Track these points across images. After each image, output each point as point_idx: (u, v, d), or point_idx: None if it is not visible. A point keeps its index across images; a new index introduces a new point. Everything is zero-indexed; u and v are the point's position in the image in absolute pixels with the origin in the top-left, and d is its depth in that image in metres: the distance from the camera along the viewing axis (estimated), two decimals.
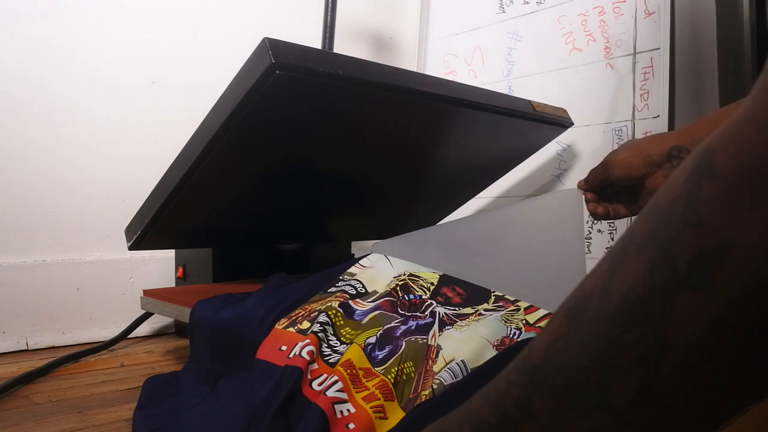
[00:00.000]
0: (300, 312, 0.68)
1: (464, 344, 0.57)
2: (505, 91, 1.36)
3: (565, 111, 1.14)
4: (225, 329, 0.70)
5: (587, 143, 1.23)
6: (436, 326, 0.62)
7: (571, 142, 1.26)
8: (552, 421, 0.28)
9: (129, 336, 1.08)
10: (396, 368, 0.55)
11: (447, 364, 0.54)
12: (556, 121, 1.10)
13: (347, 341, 0.62)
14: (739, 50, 1.14)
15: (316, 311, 0.66)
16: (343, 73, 0.72)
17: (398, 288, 0.71)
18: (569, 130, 1.18)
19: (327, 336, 0.62)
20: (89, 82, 1.12)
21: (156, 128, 1.20)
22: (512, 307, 0.65)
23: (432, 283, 0.72)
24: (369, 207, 1.19)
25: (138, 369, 0.90)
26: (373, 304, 0.68)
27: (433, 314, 0.65)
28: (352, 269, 0.79)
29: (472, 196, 1.34)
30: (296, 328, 0.64)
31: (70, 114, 1.11)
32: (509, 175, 1.29)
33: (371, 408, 0.51)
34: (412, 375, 0.55)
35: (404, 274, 0.74)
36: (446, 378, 0.52)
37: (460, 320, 0.63)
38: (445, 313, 0.65)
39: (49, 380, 0.84)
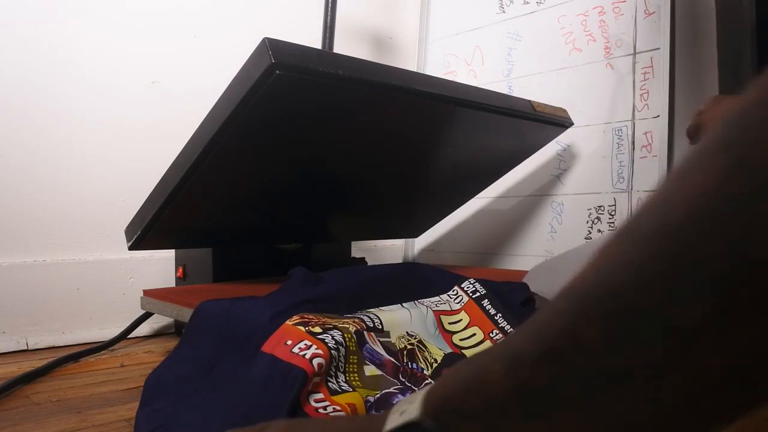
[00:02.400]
0: (314, 318, 0.67)
1: None
2: (505, 91, 1.36)
3: (565, 111, 1.14)
4: (239, 317, 0.70)
5: (587, 143, 1.23)
6: None
7: (571, 142, 1.26)
8: (603, 350, 0.24)
9: (129, 336, 1.08)
10: None
11: None
12: (556, 121, 1.10)
13: (350, 377, 0.61)
14: (739, 50, 1.14)
15: (331, 325, 0.65)
16: (343, 73, 0.72)
17: (405, 352, 0.70)
18: (569, 130, 1.18)
19: (339, 356, 0.60)
20: (89, 81, 1.12)
21: (156, 128, 1.20)
22: None
23: (436, 360, 0.72)
24: (369, 207, 1.19)
25: (138, 369, 0.90)
26: (380, 354, 0.67)
27: None
28: (373, 309, 0.78)
29: (472, 196, 1.34)
30: (306, 328, 0.63)
31: (69, 113, 1.11)
32: (509, 175, 1.29)
33: None
34: None
35: (415, 338, 0.73)
36: None
37: None
38: None
39: (49, 380, 0.84)
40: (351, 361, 0.62)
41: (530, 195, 1.33)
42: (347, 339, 0.63)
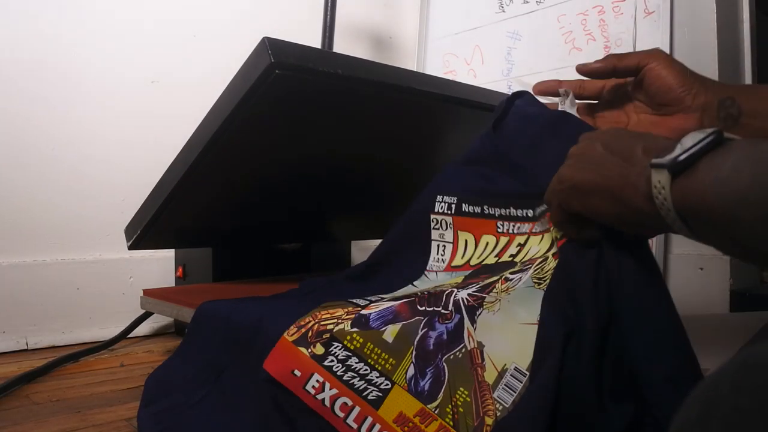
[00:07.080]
0: (309, 321, 0.62)
1: (506, 337, 0.52)
2: (504, 90, 1.36)
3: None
4: (241, 320, 0.68)
5: None
6: (467, 322, 0.55)
7: None
8: None
9: (129, 336, 1.08)
10: (450, 406, 0.51)
11: (500, 374, 0.50)
12: None
13: (378, 366, 0.55)
14: (739, 50, 1.14)
15: (327, 331, 0.59)
16: (343, 72, 0.72)
17: (421, 293, 0.62)
18: None
19: (352, 365, 0.56)
20: (89, 81, 1.12)
21: (156, 128, 1.20)
22: (540, 260, 0.58)
23: (457, 283, 0.67)
24: (369, 207, 1.19)
25: (138, 369, 0.90)
26: (388, 308, 0.60)
27: (456, 306, 0.57)
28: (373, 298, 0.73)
29: None
30: (309, 351, 0.58)
31: (69, 114, 1.11)
32: None
33: None
34: (468, 399, 0.51)
35: (432, 285, 0.68)
36: (506, 399, 0.49)
37: (487, 294, 0.56)
38: (467, 295, 0.57)
39: (49, 380, 0.84)
40: (367, 353, 0.56)
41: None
42: (347, 342, 0.58)
